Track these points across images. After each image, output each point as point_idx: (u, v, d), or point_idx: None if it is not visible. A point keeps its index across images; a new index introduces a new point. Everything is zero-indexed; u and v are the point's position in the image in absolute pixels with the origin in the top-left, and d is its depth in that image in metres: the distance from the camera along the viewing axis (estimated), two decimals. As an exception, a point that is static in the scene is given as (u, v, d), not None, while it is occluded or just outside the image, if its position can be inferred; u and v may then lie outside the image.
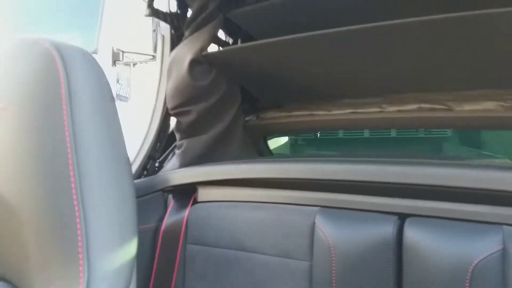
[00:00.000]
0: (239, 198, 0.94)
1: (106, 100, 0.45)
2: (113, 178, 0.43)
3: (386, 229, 0.78)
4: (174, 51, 1.15)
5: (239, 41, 1.39)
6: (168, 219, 1.00)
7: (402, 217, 0.80)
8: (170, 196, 1.07)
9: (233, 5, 1.16)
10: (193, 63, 1.08)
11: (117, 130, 0.45)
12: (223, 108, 1.19)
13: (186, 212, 0.98)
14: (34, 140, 0.40)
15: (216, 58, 1.11)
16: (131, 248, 0.43)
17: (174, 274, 0.95)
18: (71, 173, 0.39)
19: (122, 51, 3.54)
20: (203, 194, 1.01)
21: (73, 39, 3.60)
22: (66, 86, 0.42)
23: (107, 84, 0.46)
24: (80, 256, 0.38)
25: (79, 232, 0.39)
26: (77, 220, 0.39)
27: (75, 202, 0.39)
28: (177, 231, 0.96)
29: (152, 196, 1.06)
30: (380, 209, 0.83)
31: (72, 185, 0.39)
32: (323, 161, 0.91)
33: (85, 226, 0.39)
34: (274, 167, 0.90)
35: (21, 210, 0.40)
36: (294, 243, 0.85)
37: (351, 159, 0.91)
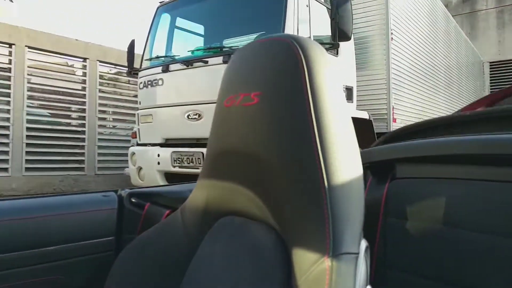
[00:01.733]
0: (441, 174, 0.88)
1: (337, 84, 0.55)
2: (348, 152, 0.53)
3: None
4: None
5: None
6: (368, 194, 0.98)
7: None
8: (368, 172, 1.05)
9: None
10: None
11: (346, 111, 0.55)
12: None
13: (385, 188, 0.96)
14: (284, 120, 0.53)
15: None
16: (360, 217, 0.52)
17: (375, 248, 0.94)
18: (314, 144, 0.51)
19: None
20: (402, 170, 0.97)
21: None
22: (306, 76, 0.53)
23: (336, 72, 0.56)
24: (326, 220, 0.48)
25: (324, 195, 0.49)
26: (322, 185, 0.49)
27: (319, 168, 0.50)
28: (377, 206, 0.95)
29: None
30: None
31: (315, 153, 0.51)
32: None
33: (328, 190, 0.49)
34: (480, 142, 0.82)
35: (277, 171, 0.53)
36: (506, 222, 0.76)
37: None
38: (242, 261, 0.56)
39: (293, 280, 0.49)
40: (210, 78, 3.79)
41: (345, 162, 0.52)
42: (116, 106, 7.26)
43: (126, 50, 4.71)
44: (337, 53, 3.99)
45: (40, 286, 0.89)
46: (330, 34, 3.58)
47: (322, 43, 3.71)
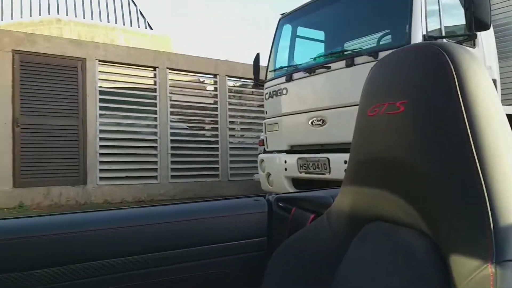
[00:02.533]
0: None
1: (489, 89, 0.54)
2: (507, 155, 0.52)
3: None
4: None
5: None
6: None
7: None
8: None
9: None
10: None
11: (501, 113, 0.54)
12: None
13: None
14: (435, 127, 0.53)
15: None
16: None
17: None
18: (469, 150, 0.50)
19: (434, 37, 3.34)
20: None
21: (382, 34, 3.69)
22: (457, 82, 0.52)
23: (487, 75, 0.55)
24: (488, 226, 0.47)
25: (483, 200, 0.48)
26: (480, 190, 0.48)
27: (476, 173, 0.49)
28: None
29: None
30: None
31: (472, 159, 0.50)
32: None
33: (488, 195, 0.48)
34: None
35: (431, 177, 0.53)
36: None
37: None
38: (393, 265, 0.57)
39: (451, 286, 0.49)
40: (332, 83, 3.79)
41: (504, 166, 0.50)
42: (243, 117, 7.77)
43: (252, 63, 5.01)
44: (474, 44, 3.60)
45: (207, 279, 1.03)
46: (464, 24, 3.26)
47: (456, 35, 3.40)
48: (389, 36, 3.77)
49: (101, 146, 6.18)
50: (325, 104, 3.82)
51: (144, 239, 0.97)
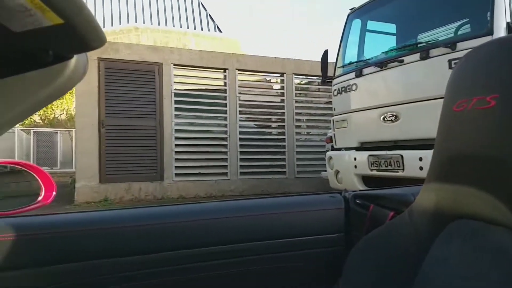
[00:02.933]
0: None
1: None
2: None
3: None
4: None
5: None
6: None
7: None
8: None
9: None
10: None
11: None
12: None
13: None
14: None
15: None
16: None
17: None
18: None
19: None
20: None
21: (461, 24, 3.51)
22: None
23: None
24: None
25: None
26: None
27: None
28: None
29: None
30: None
31: None
32: None
33: None
34: None
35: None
36: None
37: None
38: (483, 263, 0.55)
39: None
40: (406, 77, 3.65)
41: None
42: (309, 114, 7.74)
43: (320, 60, 4.97)
44: None
45: (282, 272, 1.08)
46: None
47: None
48: (468, 26, 3.54)
49: (176, 145, 6.55)
50: (398, 99, 3.69)
51: (224, 231, 1.04)
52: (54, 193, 1.19)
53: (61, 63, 0.76)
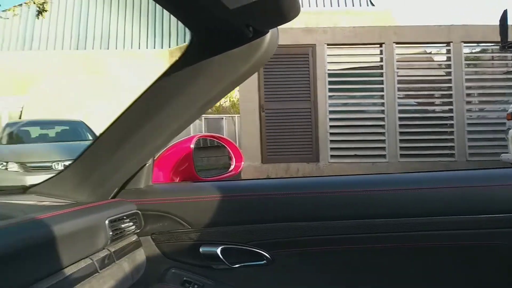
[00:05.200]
0: None
1: None
2: None
3: None
4: None
5: None
6: None
7: None
8: None
9: None
10: None
11: None
12: None
13: None
14: None
15: None
16: None
17: None
18: None
19: None
20: None
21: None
22: None
23: None
24: None
25: None
26: None
27: None
28: None
29: None
30: None
31: None
32: None
33: None
34: None
35: None
36: None
37: None
38: None
39: None
40: None
41: None
42: (482, 87, 6.72)
43: (498, 23, 4.27)
44: None
45: (484, 249, 0.97)
46: None
47: None
48: None
49: (331, 126, 6.55)
50: None
51: (403, 204, 1.02)
52: (242, 163, 1.32)
53: (260, 38, 0.82)
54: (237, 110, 11.09)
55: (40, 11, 7.64)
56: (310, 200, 1.04)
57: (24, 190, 1.13)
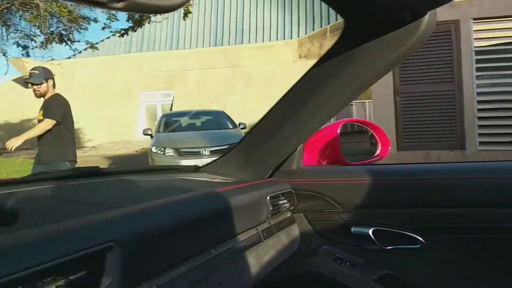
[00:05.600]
0: None
1: None
2: None
3: None
4: None
5: None
6: None
7: None
8: None
9: None
10: None
11: None
12: None
13: None
14: None
15: None
16: None
17: None
18: None
19: None
20: None
21: None
22: None
23: None
24: None
25: None
26: None
27: None
28: None
29: None
30: None
31: None
32: None
33: None
34: None
35: None
36: None
37: None
38: None
39: None
40: None
41: None
42: None
43: None
44: None
45: None
46: None
47: None
48: None
49: (479, 110, 5.85)
50: None
51: None
52: (389, 147, 1.33)
53: (416, 21, 0.82)
54: (368, 96, 10.69)
55: (186, 13, 8.50)
56: (459, 185, 1.00)
57: (196, 169, 1.35)
